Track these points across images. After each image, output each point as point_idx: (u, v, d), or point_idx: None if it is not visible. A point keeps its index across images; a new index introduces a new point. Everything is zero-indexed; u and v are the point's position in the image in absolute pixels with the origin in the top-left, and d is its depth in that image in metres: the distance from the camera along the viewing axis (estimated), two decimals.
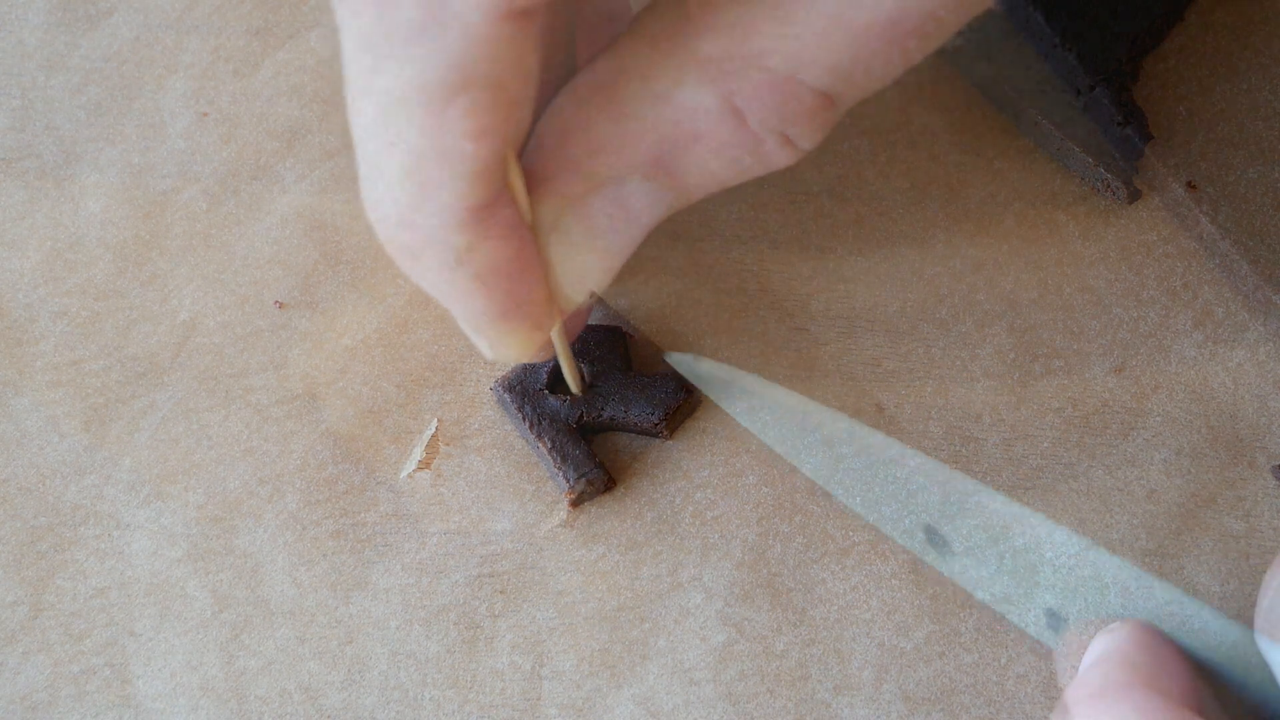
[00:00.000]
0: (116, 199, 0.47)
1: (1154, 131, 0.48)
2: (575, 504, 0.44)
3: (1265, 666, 0.32)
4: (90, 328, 0.46)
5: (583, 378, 0.44)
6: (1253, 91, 0.49)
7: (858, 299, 0.47)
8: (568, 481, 0.43)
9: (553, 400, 0.44)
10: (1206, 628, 0.33)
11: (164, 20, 0.50)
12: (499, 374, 0.45)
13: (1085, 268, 0.47)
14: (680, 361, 0.42)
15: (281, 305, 0.46)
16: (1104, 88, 0.48)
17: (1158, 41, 0.50)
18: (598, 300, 0.46)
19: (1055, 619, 0.37)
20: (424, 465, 0.44)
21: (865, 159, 0.49)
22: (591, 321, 0.45)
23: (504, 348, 0.35)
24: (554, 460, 0.43)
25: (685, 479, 0.44)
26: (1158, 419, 0.45)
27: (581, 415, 0.44)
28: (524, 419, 0.44)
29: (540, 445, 0.43)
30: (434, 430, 0.45)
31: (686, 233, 0.48)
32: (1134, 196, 0.48)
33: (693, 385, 0.43)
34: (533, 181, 0.33)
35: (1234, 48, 0.50)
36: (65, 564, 0.43)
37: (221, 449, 0.45)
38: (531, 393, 0.44)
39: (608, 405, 0.44)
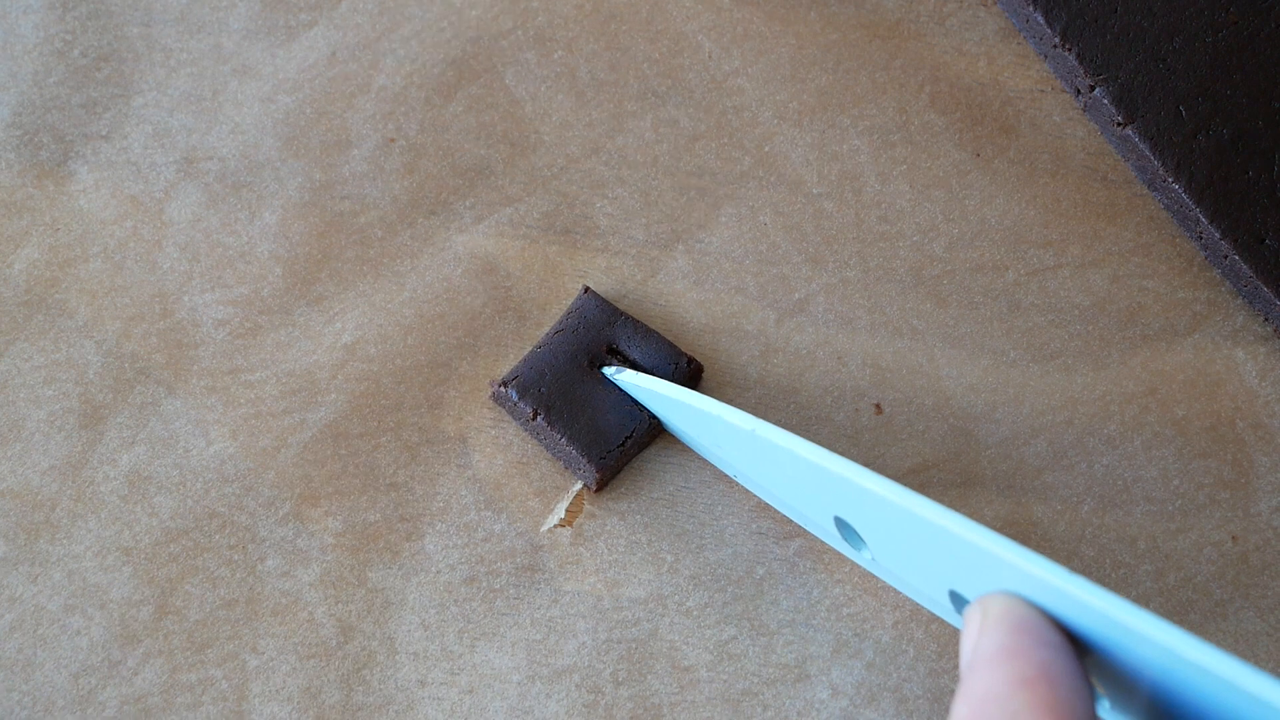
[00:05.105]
0: (294, 214, 0.51)
1: None
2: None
3: (1136, 636, 0.34)
4: (251, 339, 0.49)
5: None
6: None
7: (1025, 406, 0.49)
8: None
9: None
10: (1081, 598, 0.35)
11: (362, 40, 0.53)
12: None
13: (1260, 406, 0.49)
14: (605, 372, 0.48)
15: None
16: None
17: None
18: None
19: (959, 601, 0.39)
20: (565, 522, 0.47)
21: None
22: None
23: None
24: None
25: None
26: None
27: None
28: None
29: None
30: (579, 488, 0.47)
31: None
32: None
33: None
34: None
35: None
36: (196, 570, 0.46)
37: (366, 479, 0.47)
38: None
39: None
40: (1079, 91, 0.51)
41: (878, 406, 0.49)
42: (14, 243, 0.50)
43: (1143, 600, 0.46)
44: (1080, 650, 0.35)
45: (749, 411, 0.48)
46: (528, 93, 0.53)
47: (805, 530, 0.47)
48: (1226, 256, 0.49)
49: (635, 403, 0.47)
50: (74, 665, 0.45)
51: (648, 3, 0.54)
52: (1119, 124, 0.50)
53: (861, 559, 0.44)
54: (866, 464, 0.47)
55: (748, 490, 0.47)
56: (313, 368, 0.49)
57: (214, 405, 0.48)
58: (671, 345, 0.48)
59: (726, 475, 0.48)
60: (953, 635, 0.45)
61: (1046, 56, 0.52)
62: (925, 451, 0.48)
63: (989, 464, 0.48)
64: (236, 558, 0.46)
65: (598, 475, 0.47)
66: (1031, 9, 0.51)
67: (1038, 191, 0.51)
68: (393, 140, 0.52)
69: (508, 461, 0.48)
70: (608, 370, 0.48)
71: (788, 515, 0.47)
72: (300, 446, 0.48)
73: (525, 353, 0.49)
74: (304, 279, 0.50)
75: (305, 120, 0.52)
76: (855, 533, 0.43)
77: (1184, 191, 0.49)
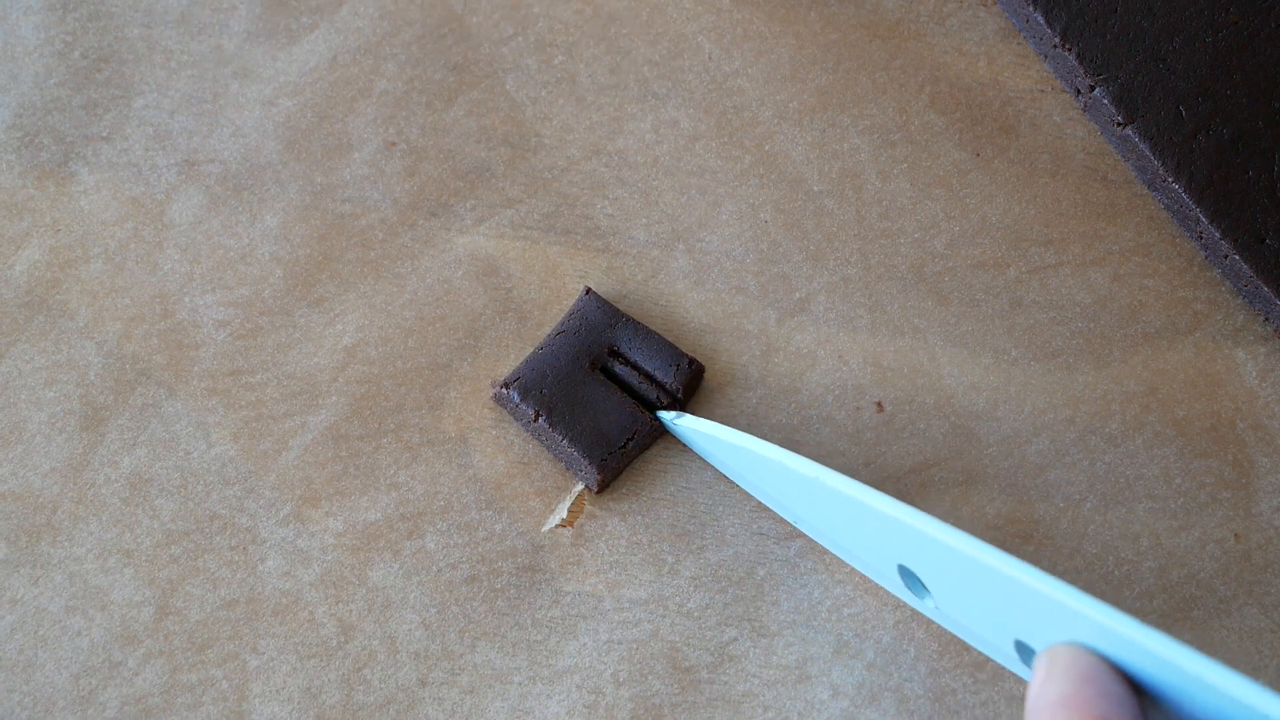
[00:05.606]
0: (295, 216, 0.51)
1: None
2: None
3: (1204, 686, 0.34)
4: (252, 341, 0.49)
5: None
6: None
7: (1027, 404, 0.49)
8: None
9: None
10: (1151, 650, 0.35)
11: (363, 44, 0.53)
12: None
13: (1260, 407, 0.49)
14: (664, 417, 0.48)
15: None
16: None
17: None
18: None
19: (1025, 650, 0.40)
20: (567, 523, 0.47)
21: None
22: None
23: None
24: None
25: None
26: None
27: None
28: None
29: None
30: (580, 489, 0.47)
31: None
32: None
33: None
34: None
35: None
36: (196, 571, 0.46)
37: (367, 479, 0.47)
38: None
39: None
40: (1079, 91, 0.52)
41: (879, 405, 0.49)
42: (15, 244, 0.50)
43: (1146, 597, 0.46)
44: (1148, 701, 0.36)
45: (750, 413, 0.48)
46: (528, 97, 0.53)
47: (806, 532, 0.47)
48: (1226, 256, 0.49)
49: (637, 405, 0.47)
50: (75, 666, 0.45)
51: (648, 5, 0.54)
52: (1119, 124, 0.50)
53: (924, 607, 0.44)
54: (868, 463, 0.47)
55: (748, 492, 0.47)
56: (314, 369, 0.49)
57: (215, 407, 0.48)
58: (673, 346, 0.48)
59: (726, 476, 0.48)
60: (953, 635, 0.45)
61: (1046, 56, 0.52)
62: (927, 450, 0.48)
63: (991, 462, 0.48)
64: (237, 559, 0.46)
65: (599, 476, 0.47)
66: (1031, 9, 0.51)
67: (1038, 191, 0.52)
68: (394, 144, 0.52)
69: (509, 462, 0.48)
70: (665, 415, 0.48)
71: (850, 563, 0.46)
72: (301, 448, 0.48)
73: (526, 354, 0.49)
74: (305, 281, 0.50)
75: (306, 123, 0.52)
76: (919, 581, 0.43)
77: (1184, 191, 0.49)
